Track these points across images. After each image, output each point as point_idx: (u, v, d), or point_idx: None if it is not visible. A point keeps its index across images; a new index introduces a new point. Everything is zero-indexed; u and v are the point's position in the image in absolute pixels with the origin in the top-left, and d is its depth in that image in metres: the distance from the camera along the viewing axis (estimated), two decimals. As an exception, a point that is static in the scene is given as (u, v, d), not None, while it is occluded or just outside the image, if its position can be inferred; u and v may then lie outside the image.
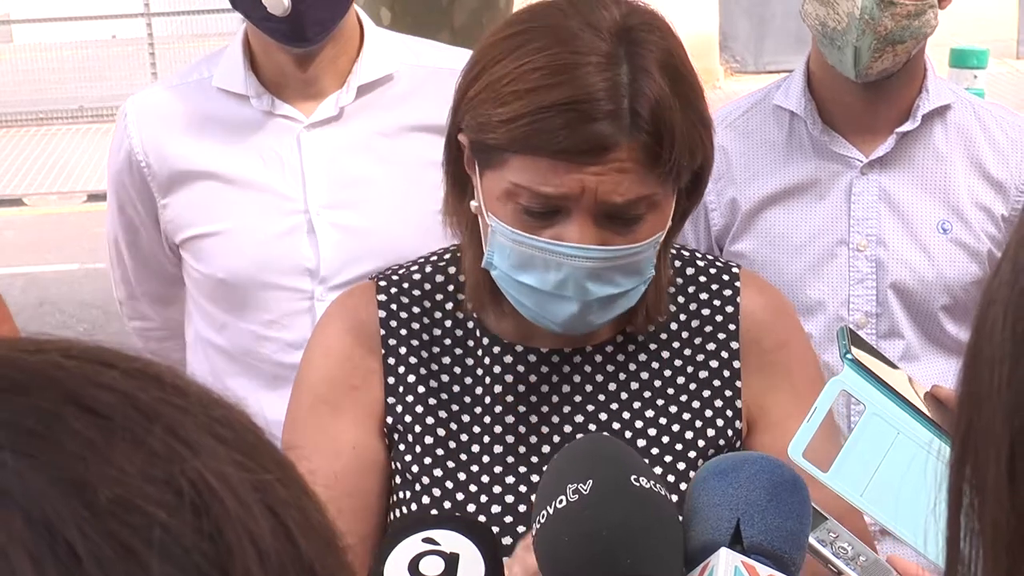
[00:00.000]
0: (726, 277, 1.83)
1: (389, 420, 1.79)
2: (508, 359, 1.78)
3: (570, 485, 1.38)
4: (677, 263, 1.83)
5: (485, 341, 1.79)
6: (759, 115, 2.53)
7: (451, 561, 1.45)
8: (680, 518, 1.43)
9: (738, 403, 1.78)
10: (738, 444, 1.78)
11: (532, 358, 1.78)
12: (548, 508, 1.38)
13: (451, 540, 1.46)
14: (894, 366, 1.64)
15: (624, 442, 1.74)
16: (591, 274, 1.64)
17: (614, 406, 1.78)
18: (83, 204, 11.41)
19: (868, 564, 1.50)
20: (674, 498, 1.46)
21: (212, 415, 0.60)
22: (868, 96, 2.44)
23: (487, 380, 1.78)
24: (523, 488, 1.74)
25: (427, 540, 1.46)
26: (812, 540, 1.47)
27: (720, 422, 1.77)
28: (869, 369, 1.56)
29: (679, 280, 1.83)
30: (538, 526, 1.39)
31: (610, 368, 1.79)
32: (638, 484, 1.38)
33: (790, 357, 1.81)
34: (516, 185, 1.63)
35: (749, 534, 1.39)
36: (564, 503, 1.37)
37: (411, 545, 1.46)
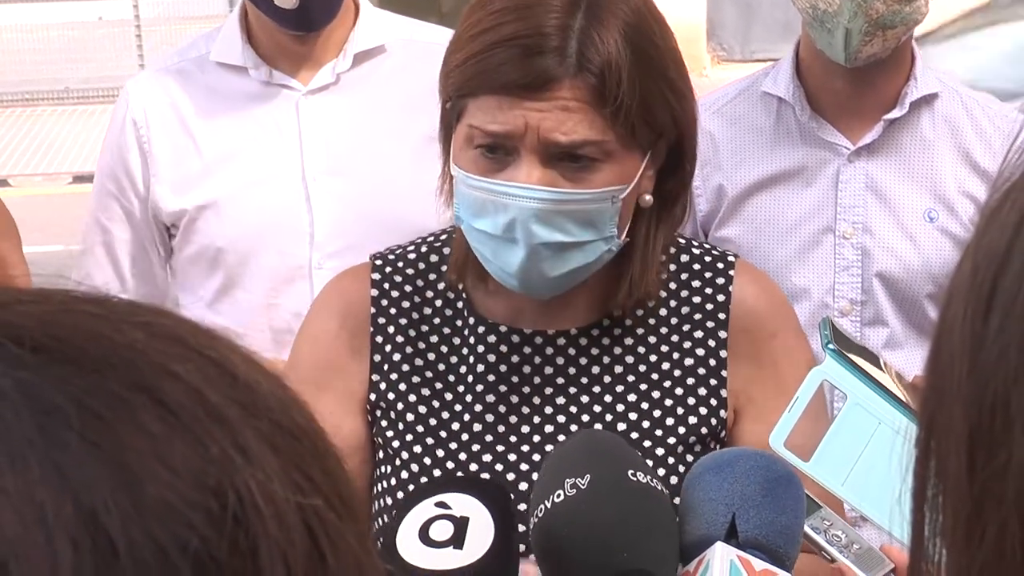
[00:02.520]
0: (720, 265, 1.83)
1: (372, 397, 1.81)
2: (492, 339, 1.79)
3: (567, 480, 1.39)
4: (672, 249, 1.83)
5: (472, 320, 1.81)
6: (747, 101, 2.53)
7: (461, 525, 1.45)
8: (676, 513, 1.44)
9: (723, 392, 1.78)
10: (723, 434, 1.78)
11: (515, 338, 1.79)
12: (546, 503, 1.39)
13: (462, 503, 1.47)
14: (875, 359, 1.64)
15: (604, 426, 1.76)
16: (537, 216, 1.64)
17: (596, 389, 1.78)
18: (68, 185, 11.38)
19: (862, 552, 1.51)
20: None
21: (274, 419, 0.60)
22: (856, 83, 2.44)
23: (471, 359, 1.79)
24: (499, 467, 1.75)
25: (439, 504, 1.47)
26: (806, 528, 1.48)
27: (703, 410, 1.77)
28: (851, 359, 1.56)
29: (672, 267, 1.82)
30: (536, 520, 1.40)
31: (594, 351, 1.79)
32: (635, 479, 1.39)
33: (780, 349, 1.81)
34: (471, 127, 1.67)
35: (744, 528, 1.40)
36: (561, 498, 1.38)
37: (423, 510, 1.47)
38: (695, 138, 1.76)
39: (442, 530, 1.44)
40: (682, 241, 1.86)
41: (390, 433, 1.79)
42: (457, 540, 1.43)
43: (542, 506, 1.40)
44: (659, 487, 1.41)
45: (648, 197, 1.73)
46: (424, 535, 1.44)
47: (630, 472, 1.40)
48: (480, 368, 1.79)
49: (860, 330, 2.44)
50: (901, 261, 2.46)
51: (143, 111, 2.47)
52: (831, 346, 1.56)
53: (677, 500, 1.53)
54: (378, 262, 1.87)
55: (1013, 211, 0.67)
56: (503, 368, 1.79)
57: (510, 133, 1.64)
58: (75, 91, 14.28)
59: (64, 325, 0.59)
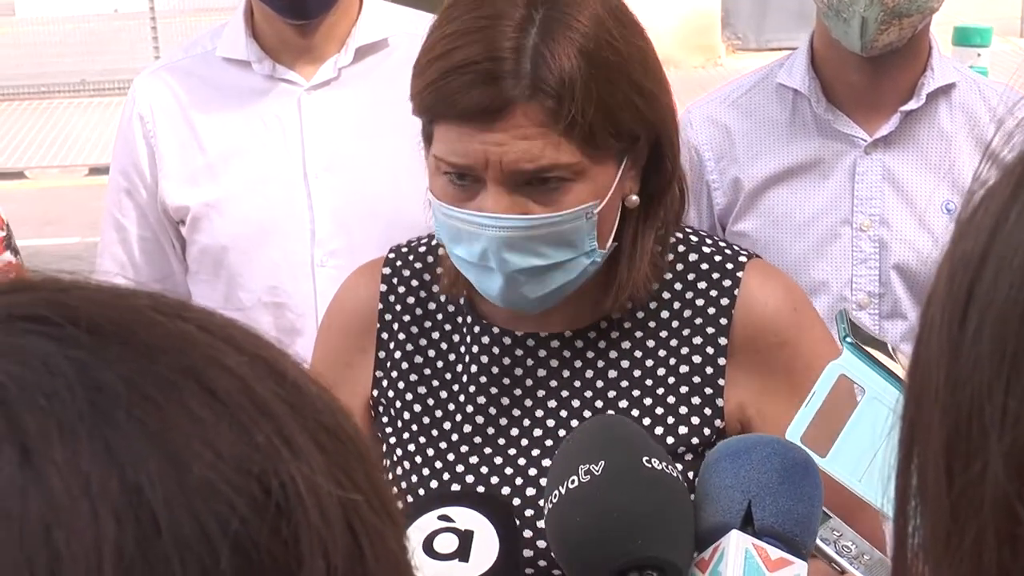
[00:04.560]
0: (730, 266, 1.77)
1: (375, 393, 1.82)
2: (485, 339, 1.78)
3: (582, 466, 1.38)
4: (681, 248, 1.79)
5: (470, 320, 1.80)
6: (762, 93, 2.52)
7: (465, 538, 1.45)
8: (692, 499, 1.43)
9: (719, 402, 1.73)
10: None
11: (507, 340, 1.78)
12: (560, 488, 1.38)
13: (466, 517, 1.47)
14: (892, 354, 1.63)
15: None
16: (508, 244, 1.62)
17: (588, 393, 1.75)
18: (85, 177, 11.41)
19: (872, 563, 1.50)
20: None
21: (320, 420, 0.61)
22: (872, 73, 2.43)
23: (467, 359, 1.79)
24: (484, 469, 1.75)
25: (442, 517, 1.47)
26: (816, 539, 1.47)
27: (695, 420, 1.73)
28: (869, 353, 1.55)
29: (679, 266, 1.78)
30: (550, 506, 1.39)
31: (589, 354, 1.76)
32: (650, 465, 1.38)
33: (792, 357, 1.74)
34: (437, 158, 1.64)
35: (760, 516, 1.39)
36: (576, 483, 1.37)
37: (427, 523, 1.47)
38: (675, 134, 1.72)
39: (447, 543, 1.45)
40: (694, 239, 1.80)
41: (388, 429, 1.81)
42: (462, 553, 1.44)
43: (556, 492, 1.39)
44: (675, 474, 1.40)
45: (634, 198, 1.70)
46: (429, 547, 1.44)
47: (645, 459, 1.38)
48: (474, 369, 1.78)
49: (879, 323, 2.43)
50: (918, 253, 2.44)
51: (149, 107, 2.47)
52: (848, 339, 1.54)
53: None
54: (391, 255, 1.87)
55: (988, 216, 0.66)
56: (495, 370, 1.78)
57: (471, 166, 1.61)
58: (91, 83, 14.31)
59: (119, 310, 0.60)
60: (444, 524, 1.46)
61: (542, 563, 1.69)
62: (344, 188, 2.40)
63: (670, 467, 1.40)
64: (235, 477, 0.56)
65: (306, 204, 2.40)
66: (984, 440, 0.62)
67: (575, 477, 1.37)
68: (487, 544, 1.45)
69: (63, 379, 0.56)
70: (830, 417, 1.54)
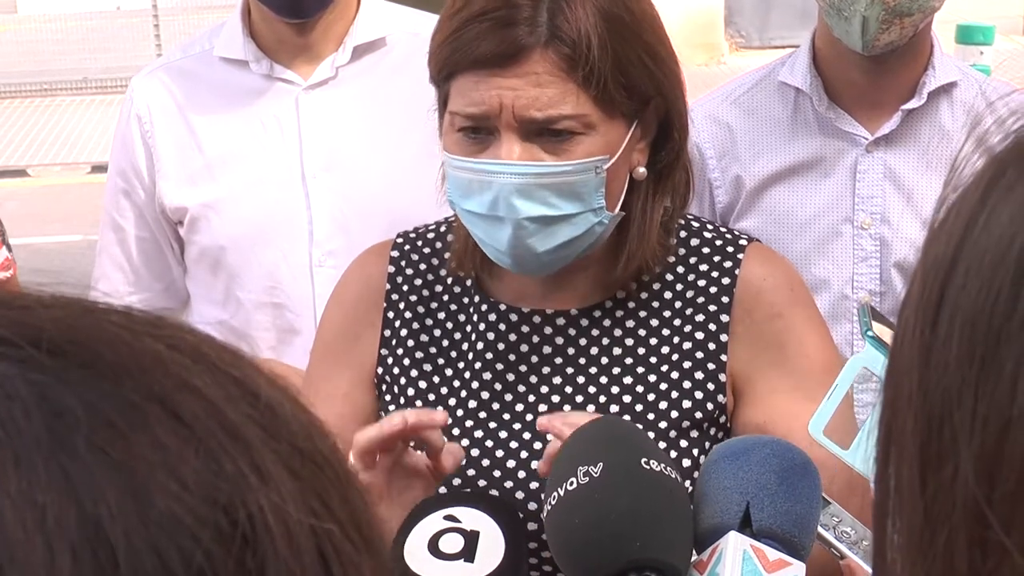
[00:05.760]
0: (730, 249, 1.82)
1: (379, 371, 1.85)
2: (492, 317, 1.81)
3: (581, 468, 1.38)
4: (683, 233, 1.83)
5: (476, 299, 1.83)
6: (764, 92, 2.52)
7: (471, 538, 1.45)
8: (691, 501, 1.43)
9: (722, 377, 1.77)
10: (721, 419, 1.77)
11: (513, 317, 1.81)
12: (559, 490, 1.39)
13: (472, 518, 1.47)
14: None
15: (598, 407, 1.76)
16: (519, 191, 1.65)
17: (593, 370, 1.78)
18: (87, 175, 11.42)
19: (871, 548, 1.50)
20: None
21: (295, 443, 0.59)
22: (874, 72, 2.43)
23: (473, 336, 1.82)
24: (489, 443, 1.77)
25: (448, 518, 1.47)
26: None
27: (699, 395, 1.76)
28: (890, 346, 1.54)
29: (682, 250, 1.82)
30: (549, 508, 1.40)
31: (595, 332, 1.79)
32: (648, 467, 1.38)
33: (784, 329, 1.78)
34: (452, 113, 1.69)
35: (758, 518, 1.39)
36: (575, 485, 1.38)
37: (432, 523, 1.47)
38: (683, 104, 1.77)
39: (452, 543, 1.44)
40: (696, 225, 1.85)
41: (392, 407, 1.83)
42: (468, 553, 1.44)
43: (555, 494, 1.39)
44: (673, 475, 1.41)
45: (642, 170, 1.74)
46: (434, 547, 1.44)
47: (643, 460, 1.39)
48: (480, 345, 1.82)
49: (880, 322, 2.44)
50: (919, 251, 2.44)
51: (147, 107, 2.46)
52: (869, 333, 1.55)
53: None
54: (399, 240, 1.91)
55: (958, 221, 0.67)
56: (501, 346, 1.81)
57: (487, 114, 1.65)
58: (93, 81, 14.32)
59: (84, 330, 0.58)
60: (449, 524, 1.46)
61: (546, 554, 1.70)
62: (342, 188, 2.40)
63: (669, 468, 1.40)
64: (200, 508, 0.54)
65: (304, 204, 2.40)
66: (954, 444, 0.63)
67: (574, 479, 1.38)
68: (493, 545, 1.45)
69: (20, 404, 0.54)
70: (852, 410, 1.54)
